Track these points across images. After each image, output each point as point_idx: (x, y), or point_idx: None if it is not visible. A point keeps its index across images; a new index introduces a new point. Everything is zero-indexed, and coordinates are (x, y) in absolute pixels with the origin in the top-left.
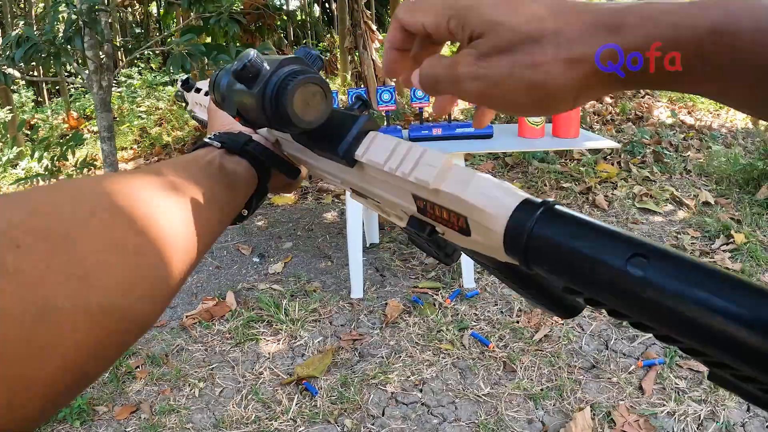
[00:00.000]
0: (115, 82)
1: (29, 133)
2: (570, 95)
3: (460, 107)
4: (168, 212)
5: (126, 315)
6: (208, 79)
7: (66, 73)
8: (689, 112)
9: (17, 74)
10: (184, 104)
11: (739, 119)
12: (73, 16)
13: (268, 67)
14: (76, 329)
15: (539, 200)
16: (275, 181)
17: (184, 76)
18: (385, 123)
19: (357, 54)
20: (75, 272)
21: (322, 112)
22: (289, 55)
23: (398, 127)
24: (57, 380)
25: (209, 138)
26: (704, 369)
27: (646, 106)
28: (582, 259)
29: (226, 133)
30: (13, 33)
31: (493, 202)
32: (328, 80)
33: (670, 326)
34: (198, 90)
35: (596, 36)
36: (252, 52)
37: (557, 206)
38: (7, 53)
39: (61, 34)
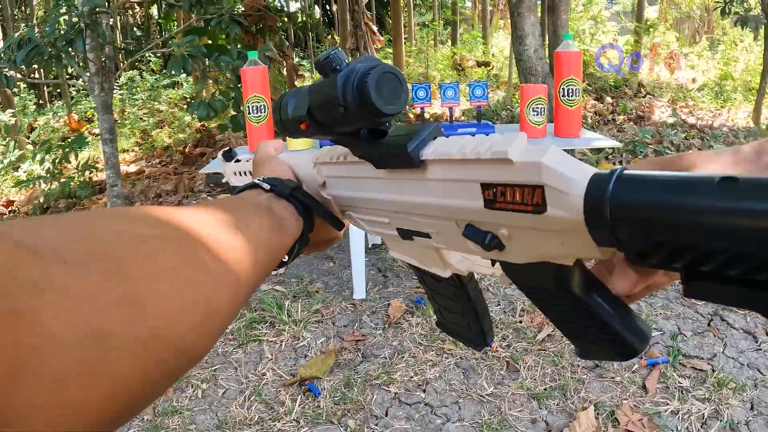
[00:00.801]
0: (116, 84)
1: (30, 135)
2: None
3: (462, 107)
4: (219, 249)
5: (176, 345)
6: (248, 154)
7: (67, 76)
8: (690, 112)
9: (19, 76)
10: (221, 177)
11: (740, 118)
12: (74, 19)
13: (346, 63)
14: (125, 355)
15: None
16: (316, 234)
17: (226, 148)
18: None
19: (359, 55)
20: (127, 297)
21: (402, 102)
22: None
23: None
24: (106, 406)
25: (259, 180)
26: (708, 368)
27: (647, 105)
28: (669, 198)
29: (275, 177)
30: (15, 35)
31: (573, 166)
32: None
33: None
34: (238, 160)
35: None
36: (335, 48)
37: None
38: (9, 56)
39: (62, 34)
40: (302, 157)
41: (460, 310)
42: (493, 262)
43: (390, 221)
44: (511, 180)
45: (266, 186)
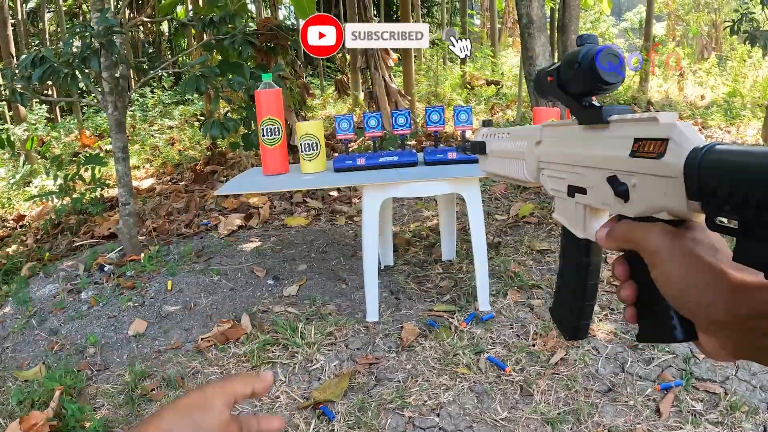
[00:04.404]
0: (129, 102)
1: (41, 150)
2: None
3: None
4: None
5: None
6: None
7: (78, 92)
8: (701, 129)
9: (30, 94)
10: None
11: (750, 135)
12: (89, 38)
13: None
14: None
15: None
16: None
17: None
18: (401, 146)
19: (369, 74)
20: None
21: (619, 77)
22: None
23: (413, 150)
24: None
25: None
26: (720, 391)
27: None
28: (739, 163)
29: None
30: (30, 53)
31: (691, 133)
32: (339, 101)
33: None
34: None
35: None
36: (587, 34)
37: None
38: (24, 73)
39: (77, 53)
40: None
41: (573, 288)
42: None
43: (566, 177)
44: (651, 135)
45: None
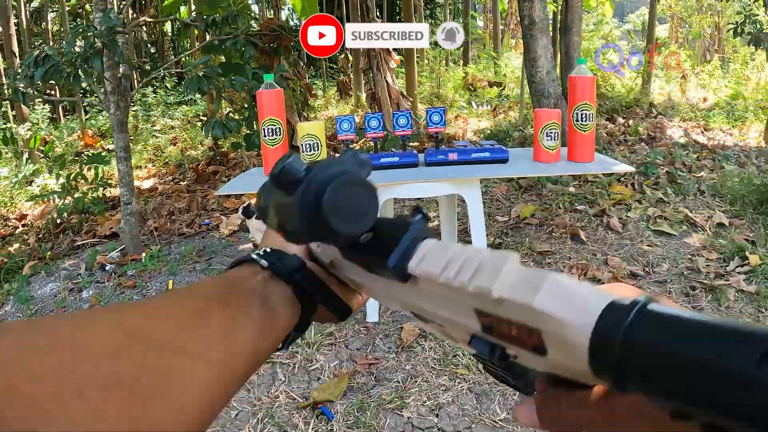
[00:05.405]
0: (131, 102)
1: (43, 149)
2: None
3: (472, 128)
4: (184, 377)
5: None
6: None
7: (81, 92)
8: (703, 131)
9: (35, 93)
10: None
11: (752, 138)
12: (92, 37)
13: (305, 171)
14: None
15: (629, 300)
16: (322, 313)
17: (246, 203)
18: (402, 147)
19: (371, 75)
20: None
21: (369, 220)
22: (334, 158)
23: (414, 151)
24: None
25: (257, 255)
26: None
27: (659, 126)
28: (697, 368)
29: (276, 251)
30: (34, 53)
31: (572, 307)
32: (341, 102)
33: None
34: (258, 217)
35: None
36: (291, 156)
37: (653, 304)
38: (26, 73)
39: (80, 53)
40: None
41: (500, 370)
42: None
43: (402, 305)
44: (504, 315)
45: (264, 263)
